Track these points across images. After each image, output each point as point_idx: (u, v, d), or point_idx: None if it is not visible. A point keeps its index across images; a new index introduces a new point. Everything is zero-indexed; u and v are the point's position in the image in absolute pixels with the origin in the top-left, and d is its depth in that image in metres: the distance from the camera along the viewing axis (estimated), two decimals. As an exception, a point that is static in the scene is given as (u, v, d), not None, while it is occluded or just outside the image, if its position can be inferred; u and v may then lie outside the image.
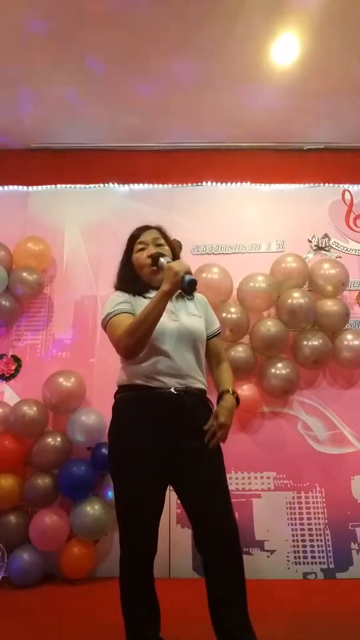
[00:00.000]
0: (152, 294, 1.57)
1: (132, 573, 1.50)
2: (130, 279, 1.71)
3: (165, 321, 1.57)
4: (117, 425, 1.58)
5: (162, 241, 1.72)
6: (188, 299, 1.71)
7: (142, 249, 1.70)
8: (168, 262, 1.56)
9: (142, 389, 1.55)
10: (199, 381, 1.60)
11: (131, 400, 1.57)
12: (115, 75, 2.88)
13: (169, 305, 1.61)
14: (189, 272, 1.49)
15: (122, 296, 1.64)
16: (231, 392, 1.63)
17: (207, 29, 2.56)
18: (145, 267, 1.67)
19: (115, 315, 1.58)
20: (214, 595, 1.44)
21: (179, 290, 1.62)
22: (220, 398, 1.64)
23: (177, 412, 1.51)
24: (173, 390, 1.52)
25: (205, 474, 1.49)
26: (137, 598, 1.49)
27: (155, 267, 1.63)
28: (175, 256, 1.73)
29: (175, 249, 1.76)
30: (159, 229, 1.76)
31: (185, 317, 1.64)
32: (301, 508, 2.79)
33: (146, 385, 1.54)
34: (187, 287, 1.47)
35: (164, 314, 1.56)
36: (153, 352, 1.55)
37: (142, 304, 1.56)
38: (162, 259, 1.60)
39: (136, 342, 1.50)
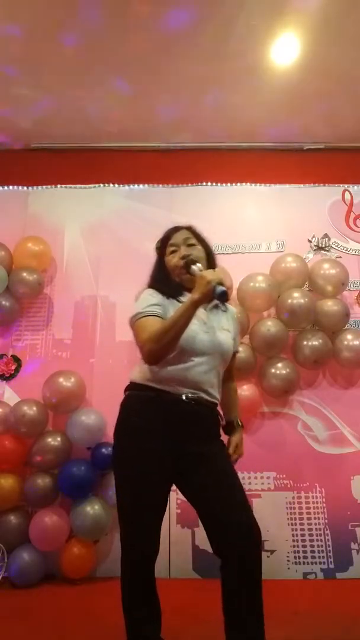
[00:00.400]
0: (186, 297, 1.54)
1: (133, 573, 1.49)
2: (164, 281, 1.68)
3: (198, 331, 1.55)
4: (125, 424, 1.56)
5: (193, 241, 1.69)
6: (222, 310, 1.69)
7: (173, 252, 1.68)
8: (201, 270, 1.54)
9: (154, 391, 1.53)
10: (213, 397, 1.58)
11: (142, 401, 1.55)
12: (115, 75, 2.89)
13: (203, 315, 1.60)
14: (221, 283, 1.46)
15: (156, 297, 1.60)
16: (241, 424, 1.73)
17: (207, 29, 2.56)
18: (177, 270, 1.64)
19: (144, 316, 1.54)
20: (232, 593, 1.40)
21: (216, 301, 1.61)
22: (233, 428, 1.70)
23: (187, 418, 1.51)
24: (184, 398, 1.51)
25: (212, 477, 1.48)
26: (138, 598, 1.48)
27: (186, 271, 1.61)
28: (209, 254, 1.71)
29: (209, 247, 1.74)
30: (189, 229, 1.74)
31: (218, 330, 1.61)
32: (301, 508, 2.79)
33: (159, 389, 1.52)
34: (217, 298, 1.46)
35: (197, 322, 1.54)
36: (179, 360, 1.52)
37: (175, 307, 1.54)
38: (194, 267, 1.58)
39: (161, 349, 1.47)
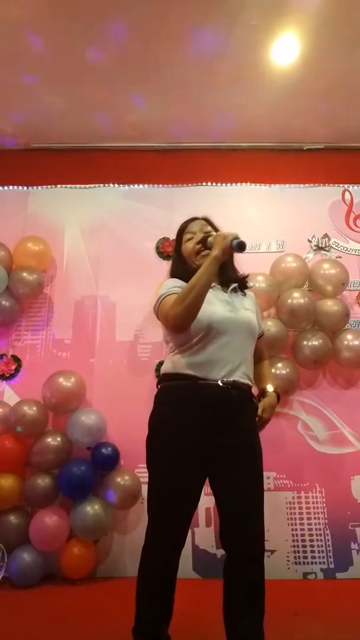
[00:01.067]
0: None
1: (154, 567, 1.47)
2: (182, 271, 1.69)
3: (222, 311, 1.56)
4: (158, 418, 1.56)
5: (209, 228, 1.74)
6: (242, 294, 1.71)
7: (190, 239, 1.71)
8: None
9: (188, 378, 1.51)
10: (247, 377, 1.57)
11: (175, 392, 1.53)
12: (114, 75, 2.88)
13: (224, 296, 1.62)
14: (237, 237, 1.50)
15: (177, 282, 1.63)
16: (273, 390, 1.69)
17: (207, 29, 2.56)
18: (194, 254, 1.67)
19: (167, 295, 1.57)
20: (232, 600, 1.43)
21: (234, 285, 1.66)
22: (263, 394, 1.68)
23: (223, 406, 1.49)
24: (220, 383, 1.49)
25: (247, 475, 1.48)
26: (153, 595, 1.46)
27: (204, 249, 1.63)
28: None
29: None
30: (205, 219, 1.77)
31: (242, 309, 1.63)
32: (301, 508, 2.79)
33: (193, 376, 1.50)
34: (236, 250, 1.49)
35: (219, 303, 1.56)
36: (209, 341, 1.52)
37: None
38: (210, 239, 1.61)
39: (185, 309, 1.46)
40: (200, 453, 1.47)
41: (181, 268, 1.71)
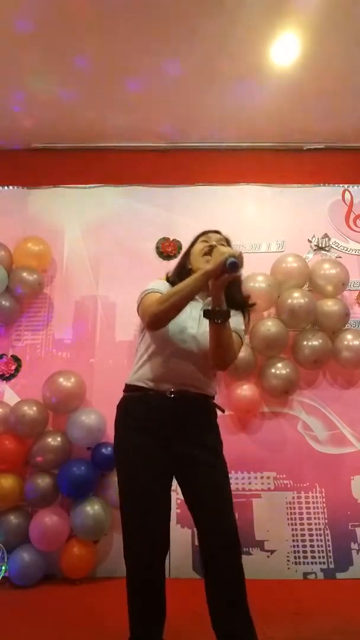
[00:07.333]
0: (198, 302, 1.63)
1: (135, 573, 1.47)
2: (181, 267, 1.74)
3: (184, 326, 1.57)
4: (117, 425, 1.62)
5: (224, 243, 1.77)
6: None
7: (204, 241, 1.74)
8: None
9: (140, 390, 1.57)
10: (201, 389, 1.60)
11: (131, 401, 1.60)
12: (115, 75, 2.88)
13: (195, 313, 1.62)
14: (234, 255, 1.48)
15: (164, 284, 1.67)
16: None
17: (207, 29, 2.56)
18: (198, 254, 1.70)
19: (151, 292, 1.60)
20: (215, 597, 1.44)
21: (209, 299, 1.62)
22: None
23: (174, 417, 1.53)
24: (168, 394, 1.54)
25: (200, 482, 1.50)
26: (140, 598, 1.47)
27: (208, 255, 1.65)
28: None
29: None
30: (226, 238, 1.81)
31: (205, 327, 1.62)
32: (301, 508, 2.79)
33: (144, 387, 1.57)
34: (229, 268, 1.47)
35: (189, 319, 1.58)
36: (164, 354, 1.56)
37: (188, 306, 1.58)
38: (221, 247, 1.61)
39: (163, 310, 1.48)
40: (160, 456, 1.50)
41: (181, 265, 1.77)
